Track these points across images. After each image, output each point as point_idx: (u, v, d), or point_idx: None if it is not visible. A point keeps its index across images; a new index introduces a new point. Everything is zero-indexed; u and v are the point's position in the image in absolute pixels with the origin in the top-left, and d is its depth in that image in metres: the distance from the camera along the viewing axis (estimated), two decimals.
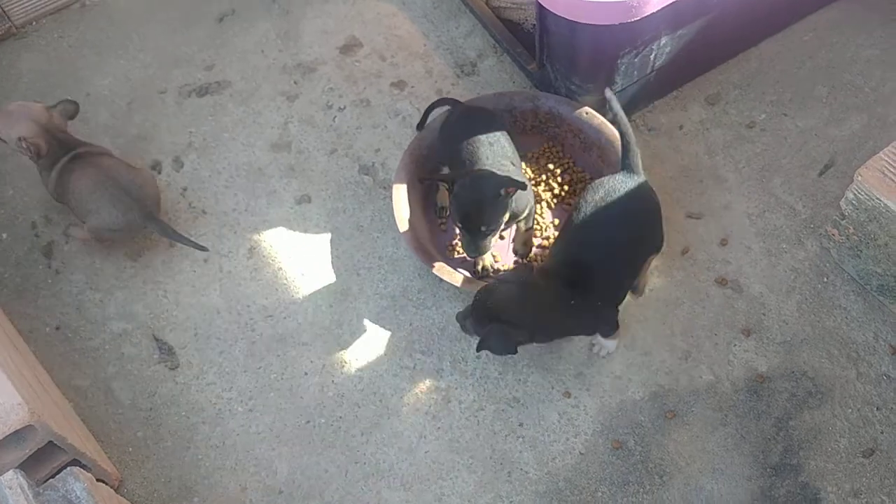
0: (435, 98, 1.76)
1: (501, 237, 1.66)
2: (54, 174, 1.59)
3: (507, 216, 1.47)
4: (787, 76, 1.83)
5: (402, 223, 1.61)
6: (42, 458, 1.31)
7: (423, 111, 1.80)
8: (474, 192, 1.44)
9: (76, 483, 1.20)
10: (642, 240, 1.46)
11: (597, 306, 1.42)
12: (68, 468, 1.23)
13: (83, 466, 1.35)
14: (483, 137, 1.53)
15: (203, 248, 1.64)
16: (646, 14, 1.42)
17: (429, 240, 1.65)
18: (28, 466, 1.28)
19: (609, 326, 1.46)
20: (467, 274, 1.60)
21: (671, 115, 1.80)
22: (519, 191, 1.44)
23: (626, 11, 1.40)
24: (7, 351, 1.32)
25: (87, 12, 2.03)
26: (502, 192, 1.41)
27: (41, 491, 1.17)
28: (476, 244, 1.46)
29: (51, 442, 1.27)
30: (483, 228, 1.44)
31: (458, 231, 1.53)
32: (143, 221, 1.60)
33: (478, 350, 1.37)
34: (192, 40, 1.97)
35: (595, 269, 1.39)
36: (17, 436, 1.22)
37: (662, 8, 1.43)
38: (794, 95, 1.81)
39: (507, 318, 1.34)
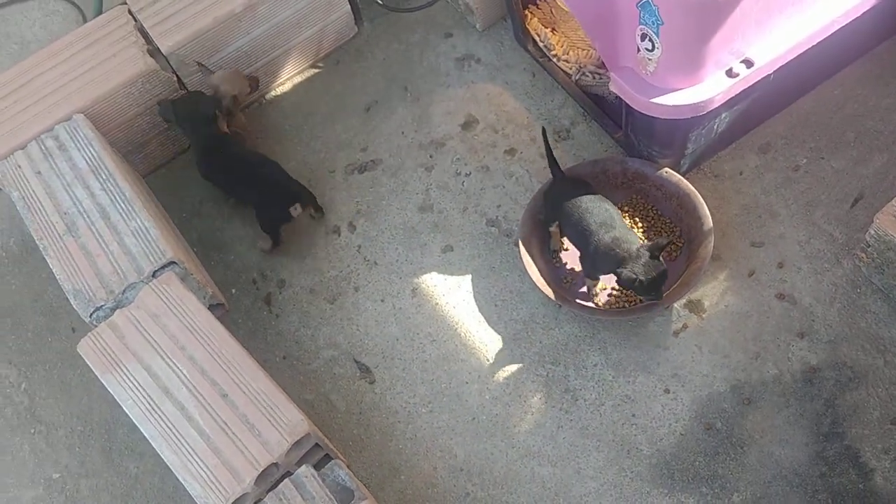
0: (539, 160, 2.27)
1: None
2: None
3: None
4: (822, 126, 2.25)
5: (530, 266, 2.12)
6: (307, 455, 1.88)
7: (531, 172, 2.32)
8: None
9: (340, 471, 1.75)
10: None
11: None
12: (333, 461, 1.80)
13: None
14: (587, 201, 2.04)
15: None
16: (710, 109, 1.91)
17: (548, 275, 2.16)
18: (302, 461, 1.85)
19: None
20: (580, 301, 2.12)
21: (732, 163, 2.25)
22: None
23: (695, 110, 1.86)
24: (272, 380, 1.90)
25: (265, 108, 2.56)
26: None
27: (323, 479, 1.74)
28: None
29: (316, 443, 1.85)
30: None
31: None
32: None
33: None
34: (348, 128, 2.50)
35: None
36: (299, 442, 1.79)
37: (722, 103, 1.92)
38: (828, 141, 2.23)
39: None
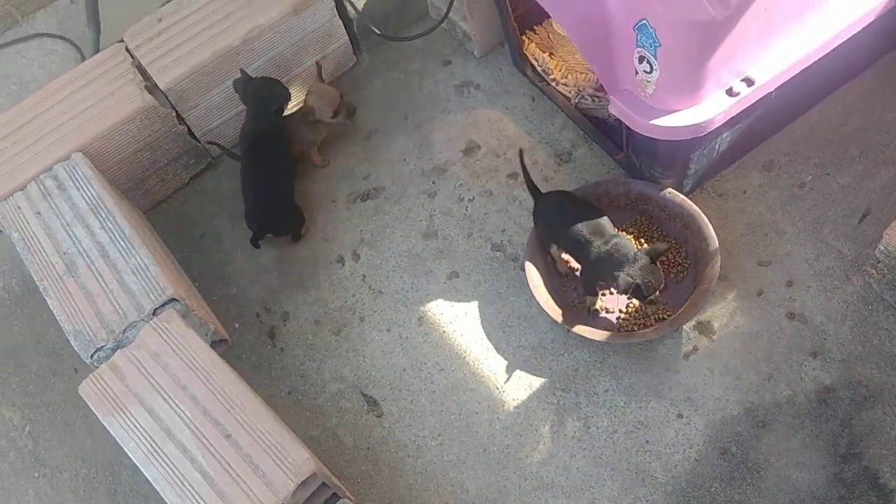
0: (542, 183, 2.25)
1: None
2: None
3: None
4: (825, 142, 2.22)
5: (536, 290, 2.09)
6: (314, 494, 1.85)
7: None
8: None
9: None
10: None
11: None
12: (342, 499, 1.76)
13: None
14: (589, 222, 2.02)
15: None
16: (711, 129, 1.89)
17: (555, 299, 2.12)
18: (309, 501, 1.81)
19: None
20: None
21: (735, 182, 2.23)
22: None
23: (695, 131, 1.84)
24: (277, 418, 1.87)
25: None
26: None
27: None
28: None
29: (323, 482, 1.81)
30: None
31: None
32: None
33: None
34: (349, 157, 2.48)
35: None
36: (305, 481, 1.75)
37: (723, 123, 1.90)
38: (833, 157, 2.20)
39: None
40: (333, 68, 2.56)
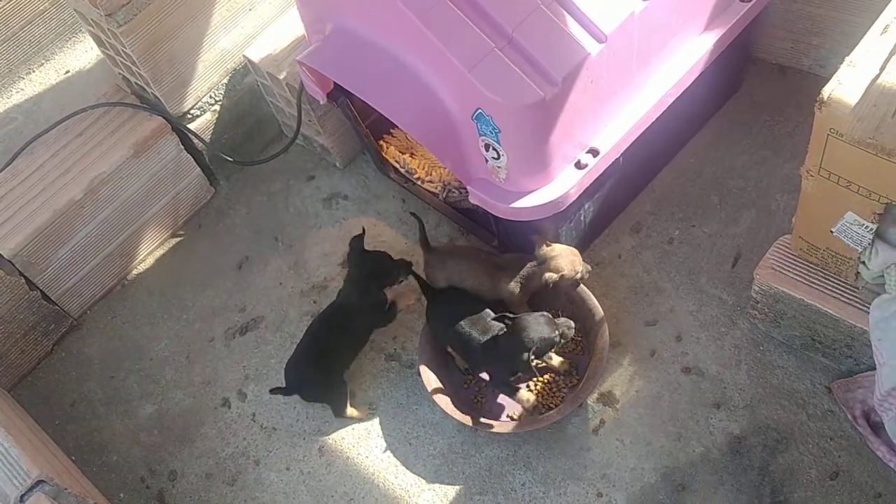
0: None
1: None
2: None
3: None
4: (685, 195, 2.28)
5: (436, 394, 2.01)
6: None
7: (421, 297, 2.24)
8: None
9: None
10: None
11: None
12: None
13: None
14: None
15: None
16: (568, 203, 1.90)
17: (457, 399, 2.05)
18: None
19: None
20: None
21: (609, 248, 2.24)
22: None
23: (554, 207, 1.85)
24: None
25: (128, 289, 2.43)
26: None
27: None
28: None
29: None
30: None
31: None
32: None
33: None
34: (220, 291, 2.38)
35: None
36: None
37: (579, 195, 1.92)
38: (695, 209, 2.25)
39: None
40: (191, 203, 2.49)
